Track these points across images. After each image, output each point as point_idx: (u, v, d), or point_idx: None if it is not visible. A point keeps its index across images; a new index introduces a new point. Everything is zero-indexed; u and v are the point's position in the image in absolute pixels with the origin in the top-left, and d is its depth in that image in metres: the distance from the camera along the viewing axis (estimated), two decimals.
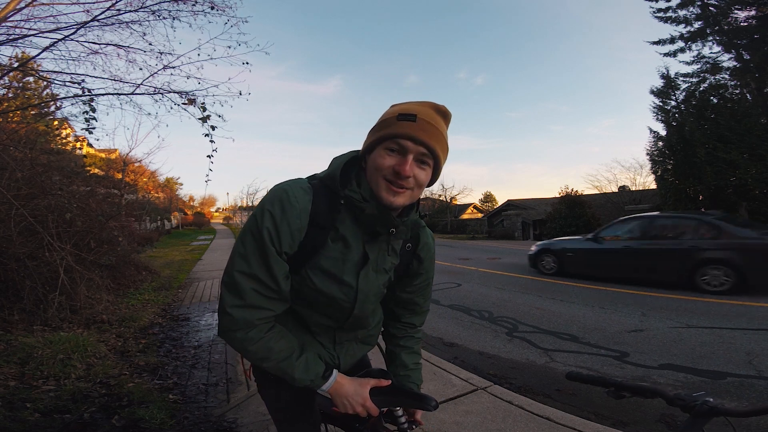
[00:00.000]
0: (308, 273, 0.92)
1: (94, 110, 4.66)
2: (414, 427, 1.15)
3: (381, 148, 0.89)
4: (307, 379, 0.94)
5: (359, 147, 0.99)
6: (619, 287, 6.70)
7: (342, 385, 0.98)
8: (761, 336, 3.90)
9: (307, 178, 0.98)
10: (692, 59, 15.57)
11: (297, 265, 0.92)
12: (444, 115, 0.93)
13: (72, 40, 4.41)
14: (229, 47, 4.67)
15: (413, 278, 1.13)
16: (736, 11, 14.23)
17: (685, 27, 15.47)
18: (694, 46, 15.46)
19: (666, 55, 15.99)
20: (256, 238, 0.87)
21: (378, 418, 1.15)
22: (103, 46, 4.66)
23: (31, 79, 5.79)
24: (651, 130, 16.53)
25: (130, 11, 4.44)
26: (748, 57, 14.19)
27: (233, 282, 0.88)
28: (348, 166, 0.96)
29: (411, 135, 0.86)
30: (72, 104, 4.87)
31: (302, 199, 0.89)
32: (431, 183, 0.96)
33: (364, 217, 0.91)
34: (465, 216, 40.30)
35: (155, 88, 4.74)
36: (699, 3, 14.84)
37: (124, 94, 4.77)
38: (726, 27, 14.48)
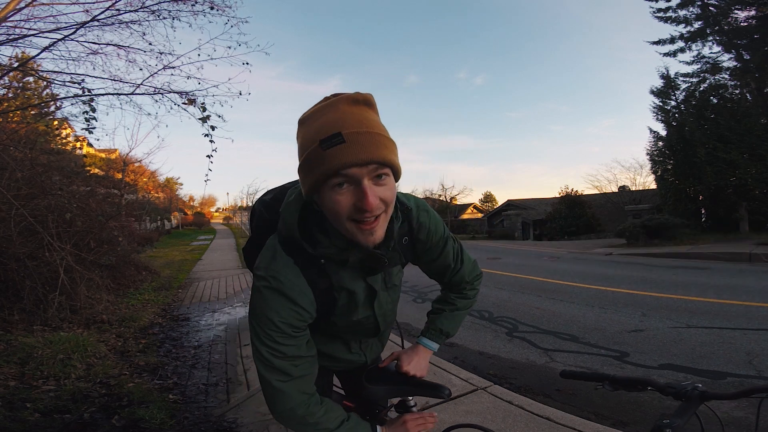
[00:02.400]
0: (331, 319, 0.94)
1: (94, 110, 4.66)
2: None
3: (326, 189, 0.72)
4: None
5: None
6: (619, 287, 6.70)
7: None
8: (761, 336, 3.90)
9: (275, 237, 0.89)
10: (692, 59, 15.57)
11: (318, 321, 0.92)
12: (366, 102, 0.75)
13: (72, 40, 4.41)
14: (229, 47, 4.67)
15: (426, 255, 1.08)
16: (736, 11, 14.23)
17: (685, 27, 15.47)
18: (694, 46, 15.46)
19: (666, 55, 15.99)
20: (273, 327, 0.83)
21: (388, 410, 1.18)
22: (103, 46, 4.66)
23: (31, 79, 5.79)
24: (651, 130, 16.55)
25: (130, 11, 4.44)
26: (748, 57, 14.19)
27: (272, 366, 0.84)
28: (303, 217, 0.84)
29: (350, 162, 0.68)
30: (72, 104, 4.88)
31: (299, 283, 0.83)
32: (397, 179, 0.81)
33: (351, 264, 0.86)
34: (465, 216, 40.31)
35: (155, 88, 4.74)
36: (699, 3, 14.84)
37: (124, 94, 4.77)
38: (726, 27, 14.48)
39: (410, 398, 1.14)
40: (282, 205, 0.87)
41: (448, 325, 1.17)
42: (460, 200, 41.85)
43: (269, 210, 1.01)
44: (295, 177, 0.85)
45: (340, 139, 0.68)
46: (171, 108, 4.81)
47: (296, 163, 0.79)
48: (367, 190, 0.71)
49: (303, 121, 0.77)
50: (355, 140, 0.69)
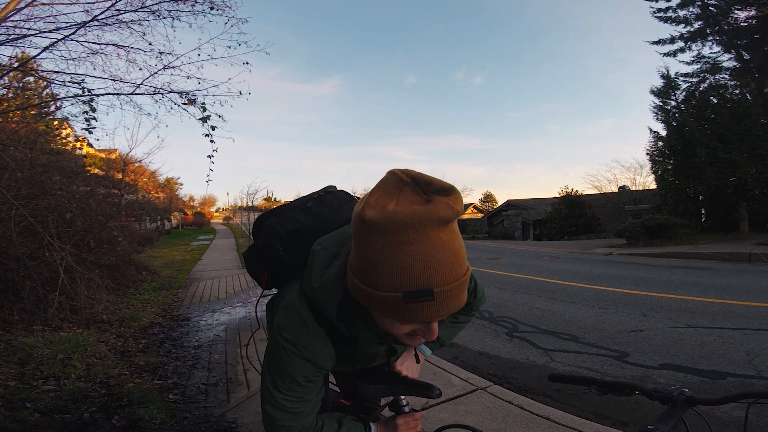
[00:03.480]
0: (351, 366, 0.97)
1: (94, 110, 4.66)
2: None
3: (391, 320, 0.68)
4: None
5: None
6: (619, 287, 6.70)
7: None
8: (761, 336, 3.90)
9: (303, 300, 0.83)
10: (692, 59, 15.56)
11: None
12: (456, 218, 0.61)
13: (72, 40, 4.42)
14: (229, 47, 4.67)
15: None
16: (736, 11, 14.22)
17: (685, 27, 15.46)
18: (694, 46, 15.45)
19: (666, 55, 15.98)
20: (294, 383, 0.84)
21: (382, 408, 1.20)
22: (103, 46, 4.66)
23: (31, 79, 5.79)
24: (651, 130, 16.53)
25: (130, 11, 4.45)
26: (748, 57, 14.19)
27: (284, 409, 0.85)
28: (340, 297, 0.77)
29: (434, 318, 0.64)
30: (72, 104, 4.88)
31: (327, 347, 0.83)
32: None
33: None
34: (465, 216, 40.30)
35: (155, 88, 4.74)
36: (699, 3, 14.83)
37: (124, 94, 4.77)
38: (726, 27, 14.47)
39: (402, 398, 1.16)
40: (315, 279, 0.78)
41: (445, 335, 1.17)
42: None
43: (285, 246, 0.96)
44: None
45: (430, 297, 0.59)
46: (171, 108, 4.82)
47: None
48: (435, 329, 0.68)
49: (373, 229, 0.59)
50: (445, 298, 0.61)
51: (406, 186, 0.61)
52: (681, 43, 15.61)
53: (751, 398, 0.71)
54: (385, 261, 0.59)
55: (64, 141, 7.53)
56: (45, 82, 5.26)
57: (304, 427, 0.89)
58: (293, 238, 0.95)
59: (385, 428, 1.06)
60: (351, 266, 0.69)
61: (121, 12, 4.42)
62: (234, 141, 5.16)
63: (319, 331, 0.81)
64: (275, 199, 31.84)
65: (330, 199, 1.02)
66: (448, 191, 0.60)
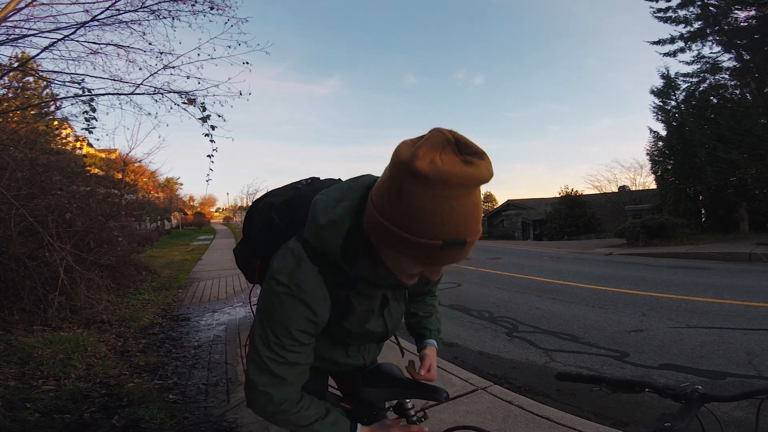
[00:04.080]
0: (342, 326, 0.92)
1: (94, 110, 4.67)
2: (424, 419, 1.17)
3: (411, 260, 0.72)
4: None
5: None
6: (619, 287, 6.70)
7: None
8: (761, 336, 3.90)
9: (299, 242, 0.84)
10: (692, 59, 15.56)
11: (330, 324, 0.90)
12: (491, 178, 0.69)
13: (72, 40, 4.42)
14: (229, 47, 4.68)
15: (426, 283, 1.18)
16: (736, 11, 14.22)
17: (685, 27, 15.46)
18: (694, 46, 15.44)
19: (666, 55, 15.98)
20: (286, 335, 0.83)
21: (385, 412, 1.18)
22: (103, 46, 4.67)
23: (31, 79, 5.79)
24: (651, 130, 16.53)
25: (130, 11, 4.45)
26: (748, 57, 14.19)
27: (269, 370, 0.84)
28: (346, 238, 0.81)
29: (456, 261, 0.71)
30: (72, 104, 4.89)
31: (320, 287, 0.82)
32: None
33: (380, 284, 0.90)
34: None
35: (155, 88, 4.74)
36: (699, 3, 14.83)
37: (124, 94, 4.78)
38: (726, 27, 14.47)
39: (408, 400, 1.14)
40: (321, 217, 0.80)
41: (439, 325, 1.28)
42: None
43: (280, 214, 0.98)
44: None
45: (462, 246, 0.67)
46: (171, 108, 4.82)
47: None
48: (442, 270, 0.78)
49: (423, 181, 0.61)
50: (470, 248, 0.70)
51: (449, 145, 0.64)
52: (681, 43, 15.63)
53: (764, 395, 0.72)
54: (430, 211, 0.63)
55: (64, 141, 7.54)
56: (45, 82, 5.26)
57: (287, 396, 0.86)
58: (287, 206, 0.99)
59: (376, 430, 1.01)
60: (379, 209, 0.70)
61: (121, 12, 4.43)
62: (234, 141, 5.17)
63: (314, 268, 0.81)
64: None
65: (319, 181, 1.08)
66: (481, 155, 0.65)
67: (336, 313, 0.87)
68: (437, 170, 0.60)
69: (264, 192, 1.13)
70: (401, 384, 1.09)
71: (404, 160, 0.63)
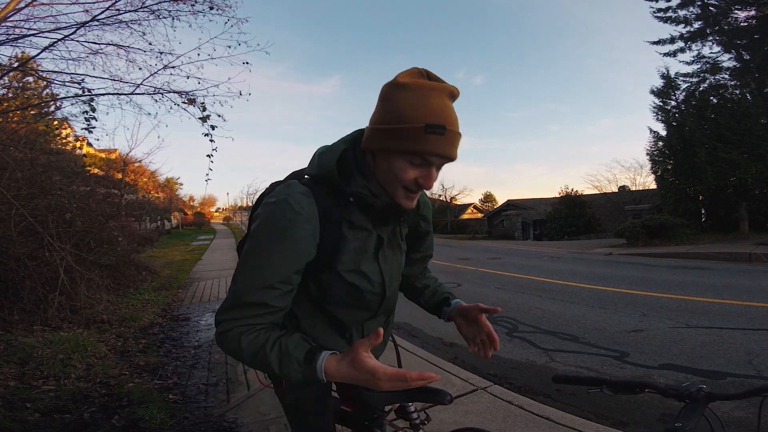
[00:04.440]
0: (335, 269, 0.89)
1: (94, 110, 4.66)
2: (426, 423, 1.12)
3: (401, 160, 0.81)
4: (293, 370, 0.77)
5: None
6: (619, 287, 6.70)
7: (337, 369, 0.75)
8: (761, 336, 3.90)
9: (295, 178, 0.91)
10: (692, 59, 15.57)
11: (321, 266, 0.88)
12: (455, 99, 0.85)
13: (72, 40, 4.41)
14: (229, 47, 4.67)
15: (423, 238, 1.15)
16: (736, 11, 14.23)
17: (685, 27, 15.47)
18: (694, 46, 15.46)
19: (666, 55, 15.99)
20: (265, 255, 0.81)
21: (387, 415, 1.15)
22: (103, 46, 4.66)
23: (31, 79, 5.79)
24: (651, 130, 16.54)
25: (130, 11, 4.45)
26: (748, 57, 14.19)
27: (238, 302, 0.82)
28: (341, 160, 0.88)
29: (440, 152, 0.80)
30: (72, 104, 4.89)
31: (307, 206, 0.83)
32: None
33: (375, 209, 0.89)
34: (465, 216, 40.34)
35: (155, 88, 4.74)
36: (699, 3, 14.83)
37: (124, 94, 4.77)
38: (726, 27, 14.48)
39: (410, 404, 1.10)
40: (318, 151, 0.92)
41: (433, 282, 1.25)
42: (460, 200, 41.90)
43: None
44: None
45: (443, 131, 0.78)
46: (171, 108, 4.82)
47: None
48: (434, 174, 0.83)
49: (403, 87, 0.80)
50: (451, 138, 0.80)
51: (422, 73, 0.83)
52: (681, 43, 15.65)
53: (766, 393, 0.72)
54: (412, 103, 0.78)
55: (64, 141, 7.54)
56: (45, 82, 5.26)
57: (243, 323, 0.81)
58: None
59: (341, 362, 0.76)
60: (371, 122, 0.85)
61: (121, 12, 4.42)
62: (234, 141, 5.16)
63: (304, 188, 0.86)
64: None
65: None
66: (445, 82, 0.83)
67: (327, 247, 0.86)
68: (414, 80, 0.80)
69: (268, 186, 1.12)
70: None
71: (388, 82, 0.83)
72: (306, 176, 0.91)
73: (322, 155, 0.89)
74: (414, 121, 0.77)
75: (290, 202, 0.82)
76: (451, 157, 0.82)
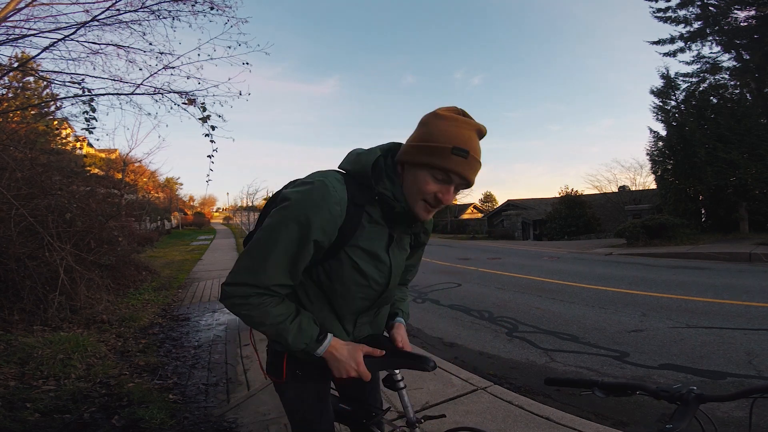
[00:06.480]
0: (348, 253, 0.98)
1: (94, 110, 4.67)
2: (426, 420, 1.22)
3: (427, 173, 0.95)
4: (302, 342, 0.97)
5: (358, 146, 1.03)
6: (619, 287, 6.70)
7: (336, 349, 1.01)
8: (761, 336, 3.90)
9: (335, 171, 1.04)
10: (692, 59, 15.56)
11: (336, 248, 0.97)
12: (483, 137, 0.99)
13: (72, 40, 4.42)
14: (229, 47, 4.67)
15: (418, 248, 1.25)
16: (736, 11, 14.22)
17: (685, 27, 15.46)
18: (694, 46, 15.45)
19: (666, 55, 15.99)
20: (294, 227, 0.91)
21: (385, 413, 1.21)
22: (103, 46, 4.67)
23: (31, 79, 5.79)
24: (651, 130, 16.51)
25: (130, 11, 4.45)
26: (748, 57, 14.18)
27: (249, 254, 0.94)
28: (375, 164, 1.01)
29: (461, 173, 0.93)
30: (72, 104, 4.89)
31: (340, 189, 0.95)
32: None
33: (393, 212, 1.00)
34: (465, 216, 40.30)
35: (155, 88, 4.74)
36: (699, 3, 14.83)
37: (124, 94, 4.78)
38: (726, 27, 14.47)
39: (397, 372, 1.18)
40: (356, 151, 1.05)
41: (407, 310, 1.34)
42: (460, 200, 41.83)
43: None
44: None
45: (466, 155, 0.92)
46: (171, 108, 4.82)
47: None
48: (452, 190, 0.97)
49: (440, 117, 0.96)
50: (473, 163, 0.95)
51: (458, 111, 0.98)
52: (681, 43, 15.64)
53: (757, 394, 0.72)
54: (445, 129, 0.94)
55: (64, 141, 7.55)
56: (45, 82, 5.26)
57: (255, 290, 0.93)
58: None
59: (338, 351, 1.01)
60: (408, 141, 1.00)
61: (121, 12, 4.43)
62: (234, 141, 5.17)
63: (340, 176, 0.98)
64: None
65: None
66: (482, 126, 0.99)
67: (347, 231, 0.96)
68: (450, 114, 0.96)
69: (268, 192, 1.18)
70: (391, 352, 1.11)
71: (430, 112, 0.99)
72: (340, 170, 1.03)
73: (360, 155, 1.02)
74: (443, 142, 0.92)
75: (327, 184, 0.93)
76: (469, 181, 0.96)
